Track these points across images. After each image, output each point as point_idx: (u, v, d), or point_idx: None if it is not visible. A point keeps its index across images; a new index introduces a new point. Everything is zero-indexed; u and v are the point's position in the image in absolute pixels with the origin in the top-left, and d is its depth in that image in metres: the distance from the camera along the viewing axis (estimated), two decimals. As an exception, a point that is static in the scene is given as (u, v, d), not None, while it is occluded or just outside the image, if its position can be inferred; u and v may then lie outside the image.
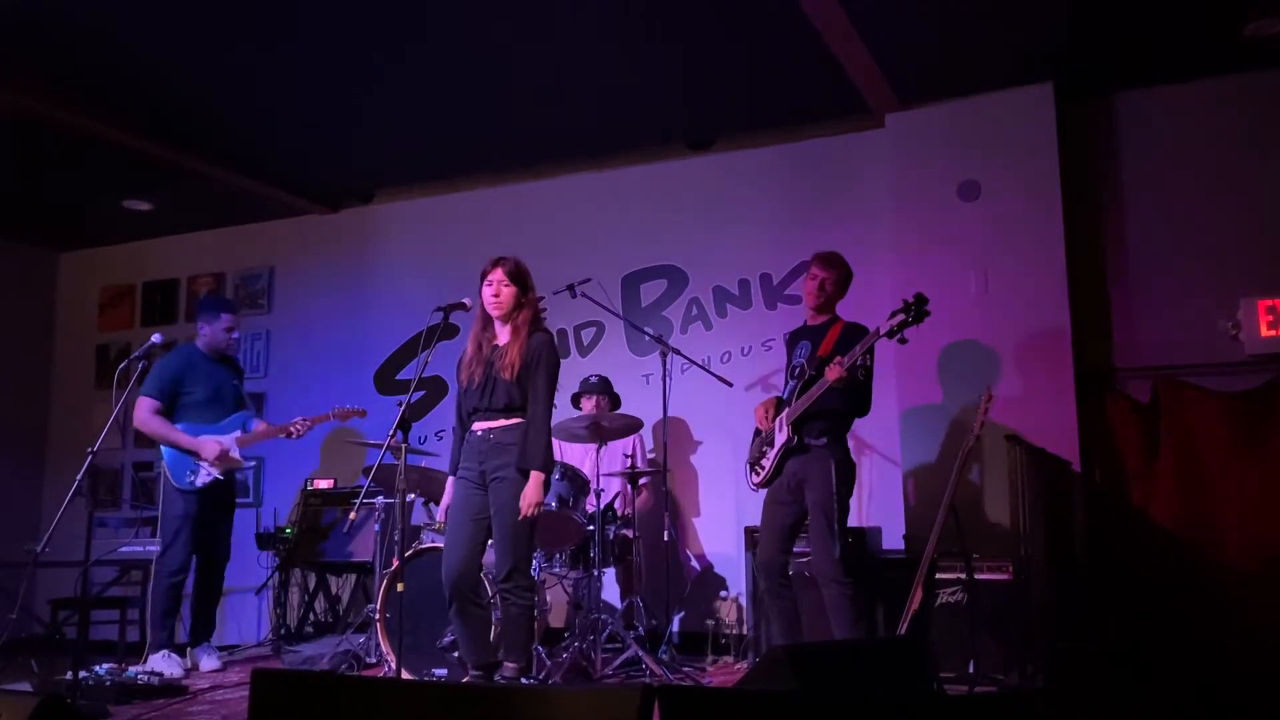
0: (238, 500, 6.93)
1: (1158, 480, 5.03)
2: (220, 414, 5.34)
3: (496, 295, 4.06)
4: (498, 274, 4.06)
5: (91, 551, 4.31)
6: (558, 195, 6.62)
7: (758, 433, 4.53)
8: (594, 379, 5.66)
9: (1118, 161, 5.46)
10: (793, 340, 4.56)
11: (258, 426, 5.44)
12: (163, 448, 5.25)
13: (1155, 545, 4.95)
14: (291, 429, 5.37)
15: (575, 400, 5.67)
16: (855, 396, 4.26)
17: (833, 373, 4.09)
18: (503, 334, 4.12)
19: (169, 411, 5.27)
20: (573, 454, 5.63)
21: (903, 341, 4.19)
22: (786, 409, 4.30)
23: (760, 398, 4.58)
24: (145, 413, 5.19)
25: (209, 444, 5.20)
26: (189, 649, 5.30)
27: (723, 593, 5.81)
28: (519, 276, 4.08)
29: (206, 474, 5.19)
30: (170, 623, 5.16)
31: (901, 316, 4.13)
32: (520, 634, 3.99)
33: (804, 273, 4.58)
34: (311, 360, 7.17)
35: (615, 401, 5.67)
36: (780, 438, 4.30)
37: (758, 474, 4.44)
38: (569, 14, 4.67)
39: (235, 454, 5.30)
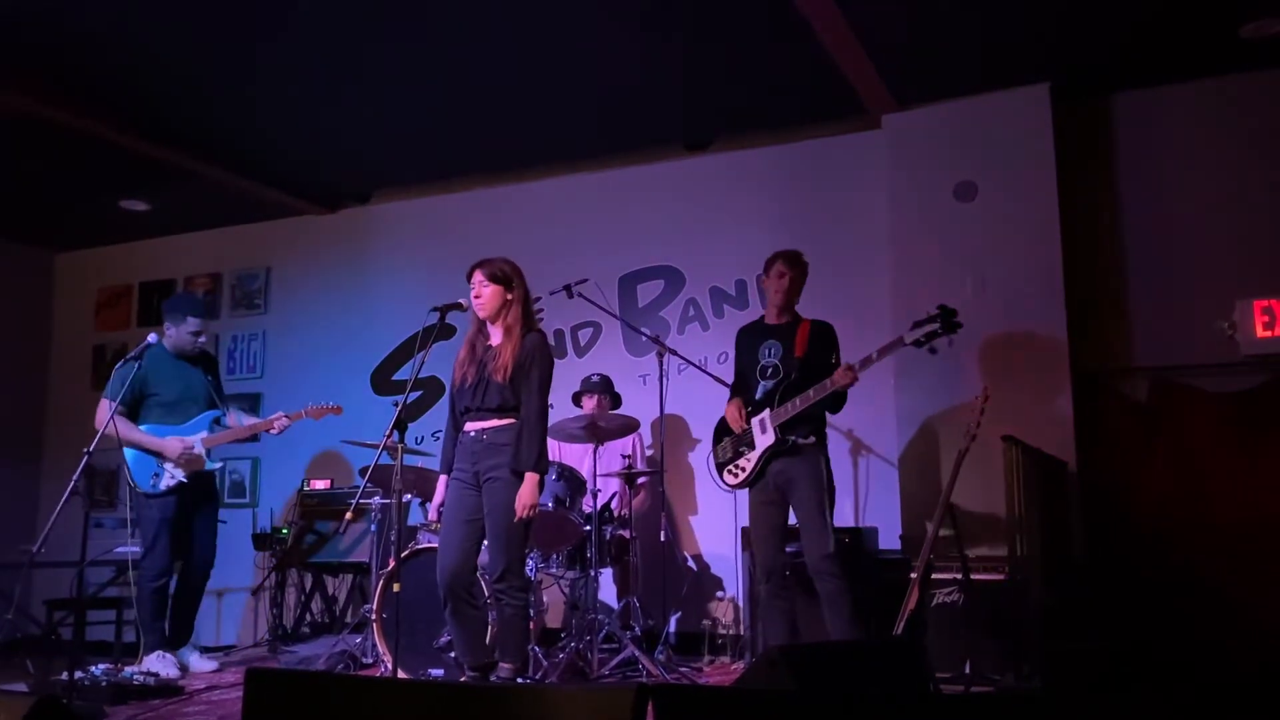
0: (235, 501, 6.95)
1: (1154, 480, 5.04)
2: (188, 414, 5.24)
3: (478, 297, 4.08)
4: (477, 276, 4.09)
5: (87, 552, 4.31)
6: (555, 196, 6.63)
7: (723, 434, 4.51)
8: (595, 378, 5.66)
9: (1114, 162, 5.46)
10: (752, 340, 4.51)
11: (230, 422, 5.35)
12: (125, 450, 5.10)
13: (1151, 545, 4.96)
14: (274, 424, 5.30)
15: (576, 399, 5.67)
16: (836, 397, 4.27)
17: (844, 378, 4.07)
18: (495, 334, 4.12)
19: (134, 413, 5.17)
20: (572, 454, 5.62)
21: (933, 351, 4.16)
22: (768, 410, 4.28)
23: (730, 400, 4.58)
24: (104, 414, 4.91)
25: (172, 443, 5.11)
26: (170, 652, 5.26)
27: (719, 593, 5.81)
28: (500, 276, 4.08)
29: (170, 477, 5.10)
30: (159, 625, 5.11)
31: (931, 326, 4.08)
32: (515, 634, 3.99)
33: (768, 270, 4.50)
34: (308, 360, 7.17)
35: (616, 401, 5.66)
36: (764, 440, 4.28)
37: (734, 475, 4.42)
38: (567, 15, 4.67)
39: (200, 453, 5.19)
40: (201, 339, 5.36)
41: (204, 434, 5.24)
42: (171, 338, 5.30)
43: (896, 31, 4.80)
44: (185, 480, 5.13)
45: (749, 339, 4.55)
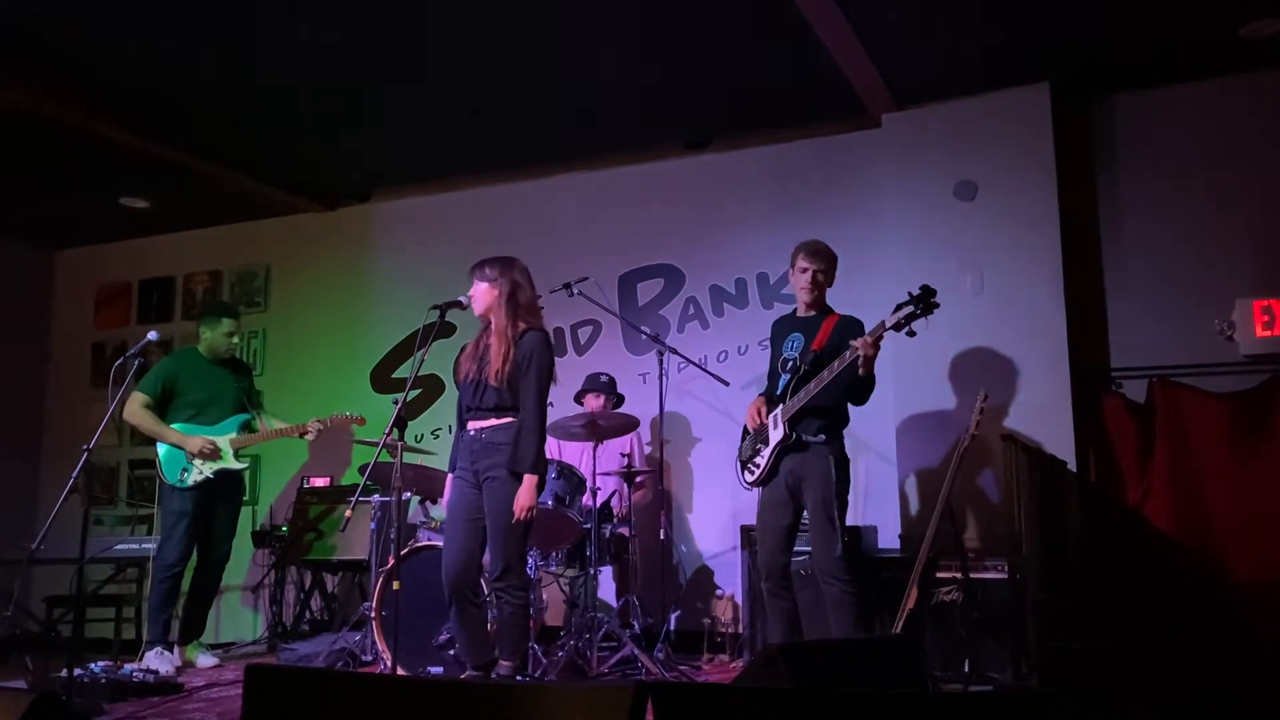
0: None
1: (1153, 480, 5.03)
2: (217, 416, 5.37)
3: (471, 295, 4.15)
4: (473, 277, 4.17)
5: (87, 549, 4.31)
6: (554, 195, 6.63)
7: (748, 430, 4.49)
8: (604, 378, 5.65)
9: (1114, 161, 5.46)
10: (781, 332, 4.45)
11: (262, 427, 5.48)
12: (158, 445, 5.30)
13: (1150, 544, 4.96)
14: (309, 429, 5.42)
15: (579, 397, 5.67)
16: (859, 388, 4.17)
17: (863, 346, 3.95)
18: (494, 333, 4.13)
19: (164, 412, 5.33)
20: (571, 452, 5.62)
21: (911, 334, 4.06)
22: (781, 406, 4.23)
23: (757, 396, 4.55)
24: (134, 405, 5.29)
25: (194, 440, 5.24)
26: (177, 646, 5.30)
27: (718, 591, 5.81)
28: (488, 276, 4.12)
29: (199, 473, 5.24)
30: (162, 617, 5.18)
31: (909, 309, 4.01)
32: (515, 632, 4.00)
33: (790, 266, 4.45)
34: (308, 358, 7.17)
35: (619, 402, 5.67)
36: (776, 435, 4.22)
37: (751, 472, 4.36)
38: (567, 14, 4.67)
39: (228, 454, 5.32)
40: (235, 339, 5.53)
41: (232, 435, 5.37)
42: (207, 340, 5.48)
43: (896, 31, 4.80)
44: (212, 477, 5.26)
45: (779, 332, 4.48)
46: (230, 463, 5.34)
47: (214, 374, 5.45)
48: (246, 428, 5.44)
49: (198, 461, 5.24)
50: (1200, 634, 4.69)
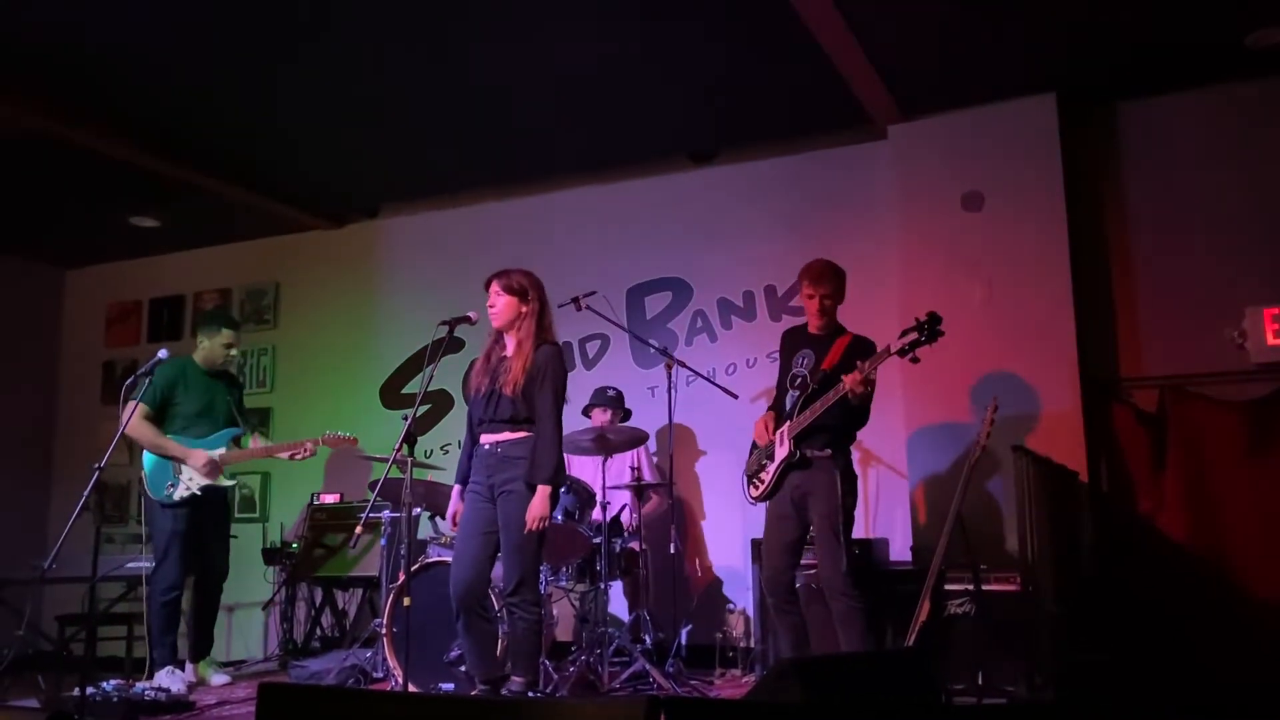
0: (245, 515, 6.95)
1: (1165, 489, 5.01)
2: (208, 429, 5.28)
3: (492, 306, 4.12)
4: (494, 286, 4.13)
5: (98, 567, 4.31)
6: (561, 209, 6.65)
7: (756, 445, 4.50)
8: (611, 392, 5.65)
9: (1121, 171, 5.46)
10: (792, 345, 4.44)
11: (254, 443, 5.41)
12: (144, 457, 5.19)
13: (1163, 554, 4.93)
14: (305, 448, 5.34)
15: (586, 411, 5.67)
16: (859, 409, 4.20)
17: (851, 379, 3.99)
18: (509, 346, 4.13)
19: (157, 422, 5.22)
20: (581, 467, 5.62)
21: (915, 360, 4.09)
22: (788, 422, 4.24)
23: (765, 410, 4.55)
24: (135, 418, 5.09)
25: (198, 455, 5.15)
26: (187, 664, 5.27)
27: (730, 605, 5.79)
28: (515, 288, 4.10)
29: (185, 488, 5.13)
30: (169, 640, 5.08)
31: (914, 335, 4.04)
32: (527, 648, 3.98)
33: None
34: (317, 375, 7.19)
35: (626, 416, 5.66)
36: (781, 451, 4.23)
37: (756, 487, 4.37)
38: (570, 28, 4.69)
39: (219, 469, 5.25)
40: (233, 351, 5.44)
41: (221, 450, 5.27)
42: (205, 350, 5.39)
43: (902, 42, 4.80)
44: (199, 493, 5.15)
45: (789, 345, 4.47)
46: (218, 479, 5.23)
47: (209, 386, 5.35)
48: (235, 444, 5.34)
49: (184, 475, 5.13)
50: (1213, 643, 4.67)
